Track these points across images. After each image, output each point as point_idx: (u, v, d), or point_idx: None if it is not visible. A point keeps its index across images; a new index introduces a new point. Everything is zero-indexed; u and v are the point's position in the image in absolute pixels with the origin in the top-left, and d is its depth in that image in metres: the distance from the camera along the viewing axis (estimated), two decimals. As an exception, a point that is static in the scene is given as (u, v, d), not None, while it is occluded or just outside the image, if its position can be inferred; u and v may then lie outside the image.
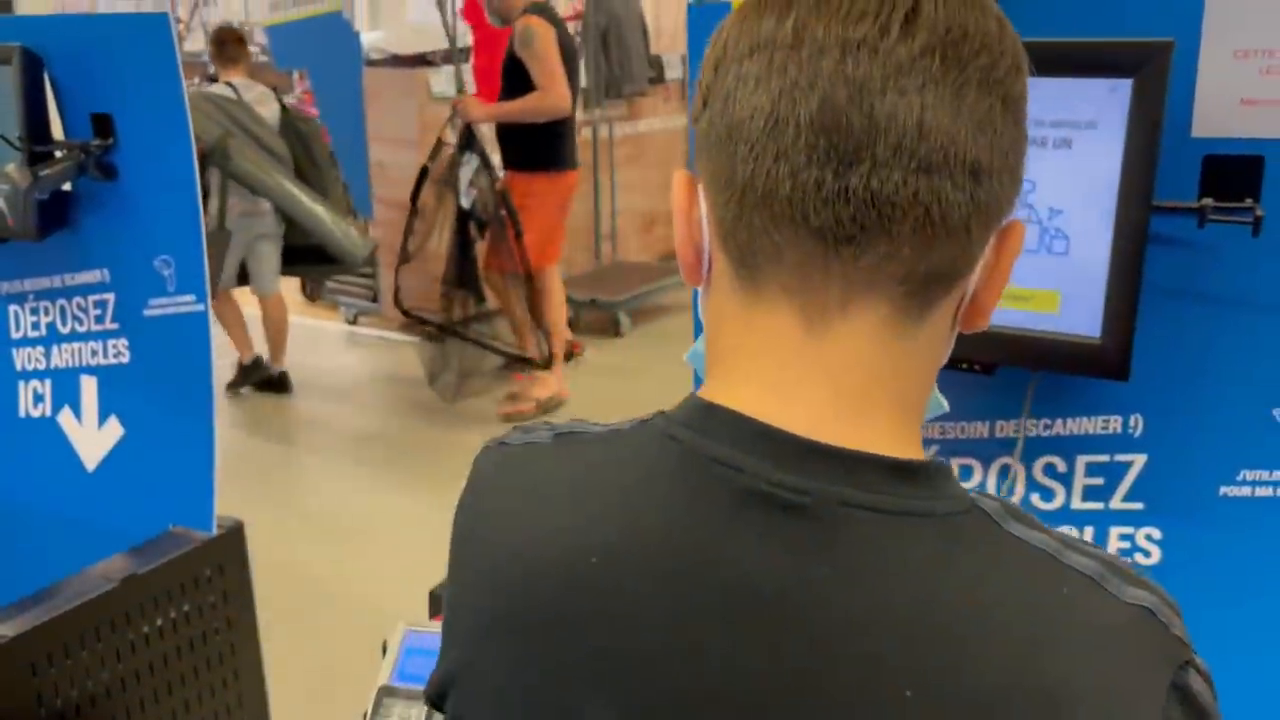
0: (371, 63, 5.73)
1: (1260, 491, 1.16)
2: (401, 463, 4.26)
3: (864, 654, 0.51)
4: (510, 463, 0.63)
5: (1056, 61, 1.09)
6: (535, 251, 4.27)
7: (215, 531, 1.91)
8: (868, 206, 0.52)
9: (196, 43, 11.57)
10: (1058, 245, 1.12)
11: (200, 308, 1.87)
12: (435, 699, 0.63)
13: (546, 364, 4.47)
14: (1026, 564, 0.53)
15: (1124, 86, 1.06)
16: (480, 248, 4.32)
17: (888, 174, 0.52)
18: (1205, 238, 1.13)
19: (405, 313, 4.54)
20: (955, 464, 1.31)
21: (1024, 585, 0.53)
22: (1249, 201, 1.10)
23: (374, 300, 5.84)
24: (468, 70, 5.58)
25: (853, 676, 0.51)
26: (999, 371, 1.21)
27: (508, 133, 4.29)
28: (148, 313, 1.89)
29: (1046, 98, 1.10)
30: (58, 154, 1.79)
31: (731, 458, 0.54)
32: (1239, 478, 1.17)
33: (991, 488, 1.29)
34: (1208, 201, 1.07)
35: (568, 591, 0.55)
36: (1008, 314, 1.16)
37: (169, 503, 1.93)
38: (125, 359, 1.94)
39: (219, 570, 1.93)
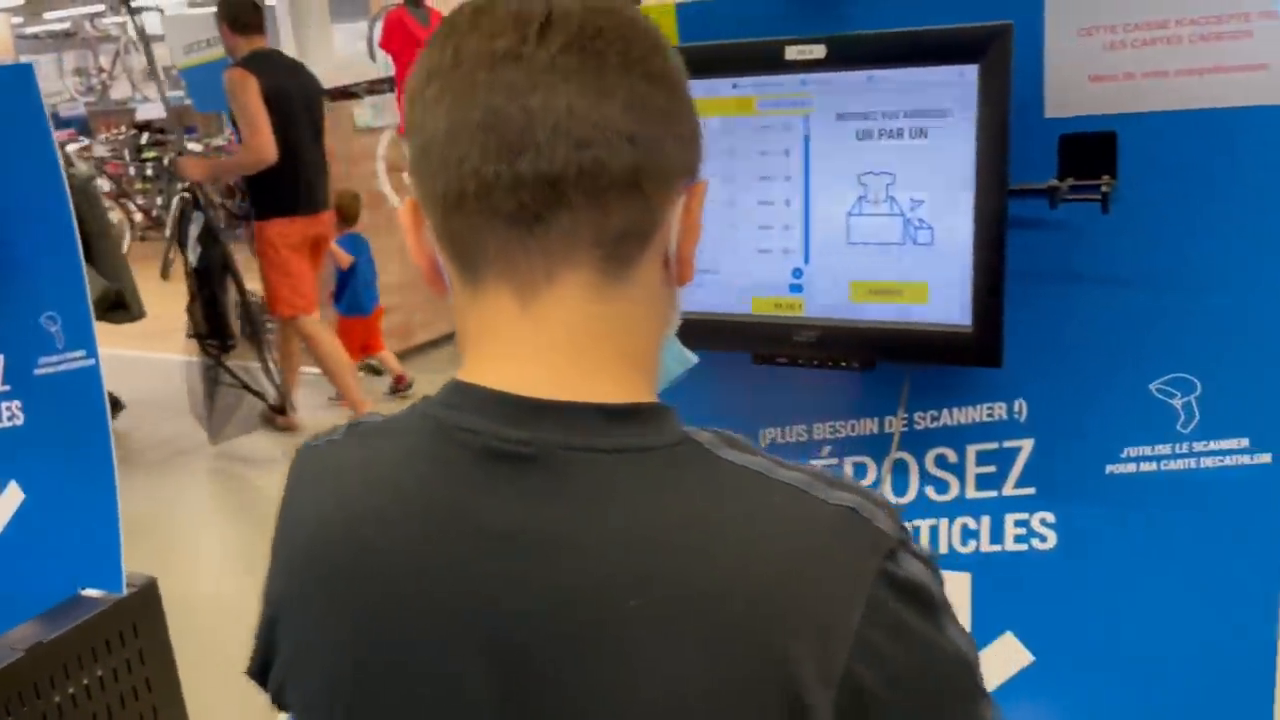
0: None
1: (1145, 467, 1.16)
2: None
3: (593, 575, 0.57)
4: (312, 459, 0.71)
5: (903, 52, 1.09)
6: (284, 300, 4.27)
7: (125, 591, 1.86)
8: (542, 186, 0.60)
9: (122, 90, 11.47)
10: (922, 236, 1.11)
11: (91, 362, 1.82)
12: (258, 674, 0.72)
13: (280, 410, 4.64)
14: (738, 481, 0.60)
15: (970, 72, 1.06)
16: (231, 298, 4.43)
17: (551, 155, 0.59)
18: (1070, 218, 1.12)
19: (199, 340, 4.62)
20: (850, 463, 1.30)
21: (736, 498, 0.59)
22: (1103, 178, 1.09)
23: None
24: (392, 100, 5.56)
25: (584, 597, 0.57)
26: (882, 366, 1.20)
27: (247, 183, 4.33)
28: (38, 372, 1.84)
29: (899, 89, 1.09)
30: (-69, 216, 1.73)
31: (471, 423, 0.62)
32: (1123, 455, 1.16)
33: (887, 486, 1.28)
34: (1055, 182, 1.07)
35: (354, 553, 0.64)
36: (880, 308, 1.14)
37: (76, 565, 1.87)
38: (19, 420, 1.88)
39: (133, 631, 1.87)
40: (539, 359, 0.63)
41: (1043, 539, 1.23)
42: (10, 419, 1.91)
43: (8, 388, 1.89)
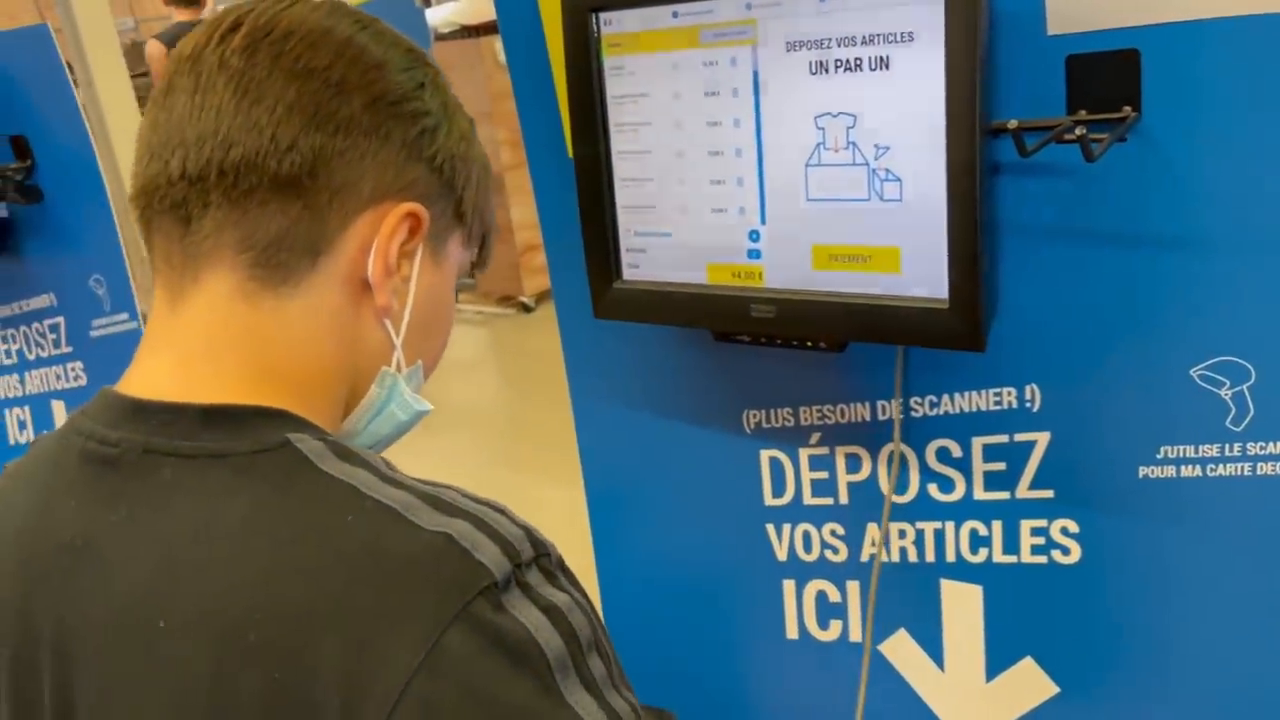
0: (440, 37, 5.66)
1: (1186, 471, 0.92)
2: (508, 437, 4.23)
3: (136, 589, 0.53)
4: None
5: (855, -38, 0.87)
6: None
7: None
8: (187, 185, 0.59)
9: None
10: (890, 190, 0.91)
11: (134, 325, 1.83)
12: None
13: None
14: (315, 496, 0.54)
15: (937, -18, 0.84)
16: None
17: (198, 154, 0.59)
18: (1095, 164, 0.89)
19: None
20: (842, 453, 1.11)
21: (300, 515, 0.53)
22: (1124, 109, 0.86)
23: (470, 276, 5.83)
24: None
25: (127, 612, 0.53)
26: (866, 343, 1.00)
27: None
28: (93, 334, 1.86)
29: (856, 9, 0.89)
30: (-19, 182, 1.76)
31: (83, 426, 0.60)
32: (1159, 455, 0.93)
33: (884, 480, 1.09)
34: (1062, 117, 0.83)
35: None
36: (846, 278, 0.95)
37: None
38: (83, 381, 1.93)
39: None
40: (165, 360, 0.60)
41: (1065, 551, 1.01)
42: (75, 379, 1.96)
43: (70, 349, 1.93)
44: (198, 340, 0.60)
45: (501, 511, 0.55)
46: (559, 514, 3.27)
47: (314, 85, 0.59)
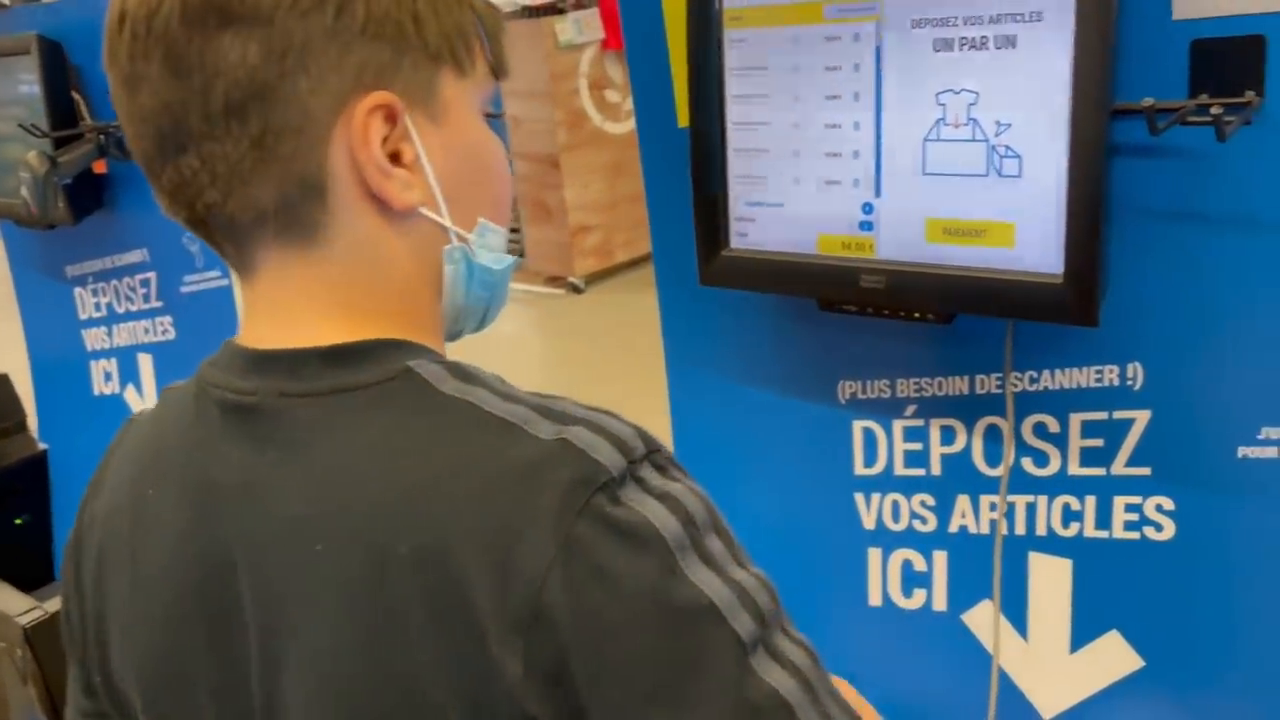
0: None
1: (1287, 453, 0.95)
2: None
3: (291, 518, 0.57)
4: (127, 432, 0.72)
5: (988, -58, 0.90)
6: None
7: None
8: (175, 189, 0.59)
9: None
10: (1009, 166, 0.93)
11: (225, 283, 1.88)
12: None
13: None
14: (441, 416, 0.56)
15: (1070, -37, 0.86)
16: None
17: (179, 144, 0.58)
18: (1204, 144, 0.91)
19: None
20: (937, 425, 1.14)
21: (430, 435, 0.56)
22: (1248, 94, 0.88)
23: (520, 255, 5.88)
24: (596, 15, 5.49)
25: (284, 541, 0.57)
26: (971, 316, 1.03)
27: None
28: (184, 290, 1.92)
29: (983, -12, 0.91)
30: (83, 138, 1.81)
31: (216, 378, 0.62)
32: (1260, 436, 0.96)
33: (978, 452, 1.12)
34: (1184, 100, 0.85)
35: (136, 509, 0.66)
36: (959, 251, 0.98)
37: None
38: (172, 335, 1.98)
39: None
40: (264, 316, 0.62)
41: (1158, 528, 1.03)
42: (164, 333, 2.02)
43: (160, 304, 1.99)
44: (283, 307, 0.61)
45: (614, 416, 0.56)
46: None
47: (224, 42, 0.55)
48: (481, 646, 0.50)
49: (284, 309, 0.61)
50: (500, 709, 0.50)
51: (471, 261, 0.65)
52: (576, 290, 5.52)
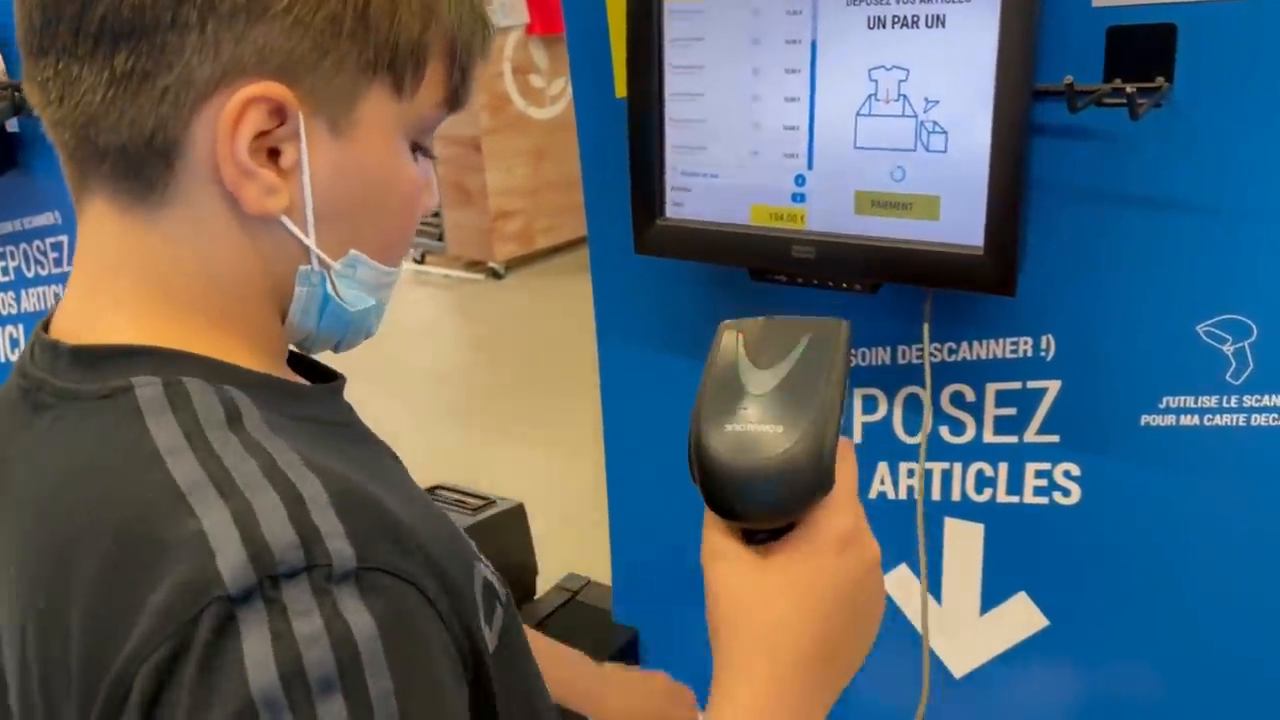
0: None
1: (1185, 420, 1.01)
2: (476, 403, 4.25)
3: (8, 516, 0.54)
4: None
5: (921, -76, 0.94)
6: None
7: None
8: (34, 88, 0.54)
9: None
10: (935, 142, 0.98)
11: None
12: None
13: None
14: (121, 452, 0.51)
15: (998, -52, 0.90)
16: None
17: (43, 45, 0.53)
18: (1113, 126, 0.96)
19: None
20: (859, 395, 1.18)
21: (95, 475, 0.51)
22: (1157, 80, 0.93)
23: (439, 239, 5.83)
24: (521, -1, 5.47)
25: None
26: (894, 289, 1.07)
27: None
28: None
29: (917, -31, 0.95)
30: (-4, 95, 1.76)
31: (22, 359, 0.59)
32: (1161, 405, 1.01)
33: (898, 421, 1.16)
34: (1083, 85, 0.90)
35: None
36: (886, 223, 1.01)
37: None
38: (84, 301, 1.94)
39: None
40: (80, 289, 0.58)
41: (1065, 493, 1.09)
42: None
43: (70, 268, 1.94)
44: (93, 264, 0.57)
45: (301, 503, 0.47)
46: (518, 471, 3.30)
47: None
48: (74, 710, 0.46)
49: (93, 274, 0.56)
50: None
51: (327, 292, 0.59)
52: (497, 276, 5.50)
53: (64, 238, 1.90)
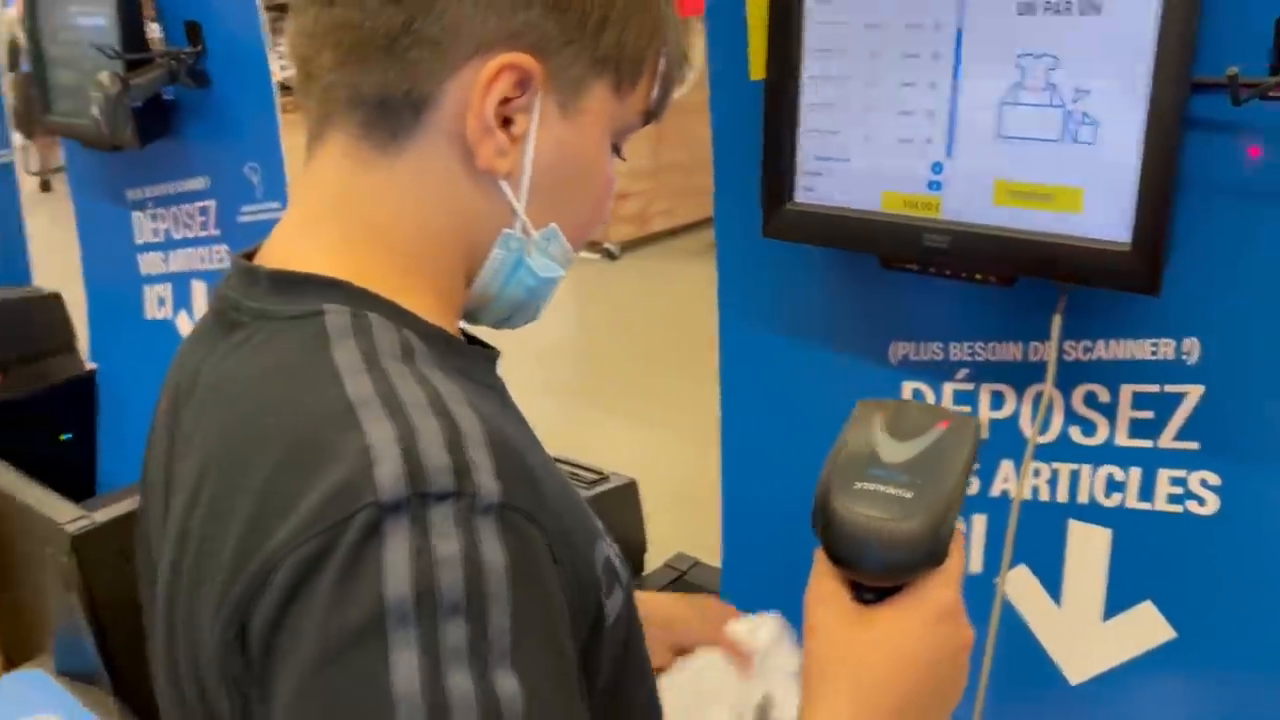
0: None
1: (1339, 434, 0.96)
2: (589, 381, 4.30)
3: (195, 422, 0.60)
4: None
5: (1081, -94, 0.91)
6: None
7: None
8: (304, 41, 0.61)
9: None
10: (1084, 133, 0.94)
11: (282, 214, 1.90)
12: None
13: None
14: (303, 370, 0.55)
15: (1162, -68, 0.87)
16: None
17: (306, 10, 0.61)
18: (1275, 122, 0.92)
19: None
20: (987, 390, 1.16)
21: (277, 387, 0.55)
22: (1330, 74, 0.88)
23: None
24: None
25: (188, 439, 0.60)
26: (1029, 284, 1.04)
27: None
28: (241, 219, 1.95)
29: (1073, -48, 0.92)
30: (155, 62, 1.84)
31: (220, 284, 0.65)
32: (1313, 417, 0.97)
33: (1026, 418, 1.13)
34: (1248, 78, 0.86)
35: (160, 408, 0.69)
36: (1025, 214, 0.99)
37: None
38: (226, 264, 2.01)
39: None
40: (295, 220, 0.64)
41: (1201, 502, 1.05)
42: (219, 261, 2.05)
43: (218, 232, 2.02)
44: (315, 202, 0.63)
45: (461, 434, 0.49)
46: (628, 449, 3.32)
47: None
48: (218, 584, 0.51)
49: (313, 209, 0.62)
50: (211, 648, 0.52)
51: (523, 256, 0.64)
52: (611, 256, 5.54)
53: (211, 202, 1.98)
